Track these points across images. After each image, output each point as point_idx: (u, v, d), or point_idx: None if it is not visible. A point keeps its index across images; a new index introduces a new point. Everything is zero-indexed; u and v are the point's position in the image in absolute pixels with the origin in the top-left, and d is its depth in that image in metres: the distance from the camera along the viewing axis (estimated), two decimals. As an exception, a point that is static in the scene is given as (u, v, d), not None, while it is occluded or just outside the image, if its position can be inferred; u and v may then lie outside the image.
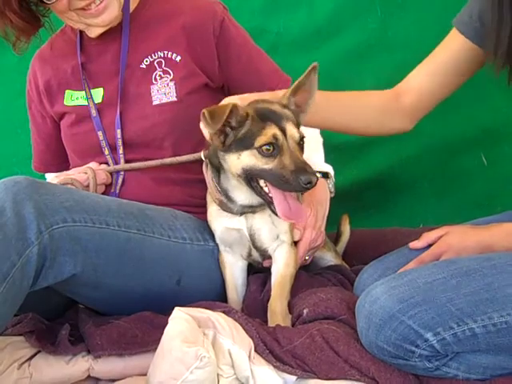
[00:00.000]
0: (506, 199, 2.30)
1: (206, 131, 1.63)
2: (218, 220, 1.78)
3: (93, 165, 1.95)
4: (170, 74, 1.93)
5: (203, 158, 1.78)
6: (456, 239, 1.65)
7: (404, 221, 2.41)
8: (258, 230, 1.75)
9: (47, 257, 1.48)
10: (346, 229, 2.17)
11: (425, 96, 1.85)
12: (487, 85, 2.10)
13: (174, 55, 1.93)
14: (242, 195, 1.68)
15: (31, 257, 1.44)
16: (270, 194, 1.59)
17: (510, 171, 2.44)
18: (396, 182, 2.57)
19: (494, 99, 2.37)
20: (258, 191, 1.61)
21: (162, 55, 1.94)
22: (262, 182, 1.60)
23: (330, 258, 2.03)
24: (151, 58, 1.94)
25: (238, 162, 1.59)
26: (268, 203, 1.61)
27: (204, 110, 1.53)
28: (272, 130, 1.56)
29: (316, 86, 1.67)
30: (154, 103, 1.91)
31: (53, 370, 1.55)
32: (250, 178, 1.60)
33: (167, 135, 1.91)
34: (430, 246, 1.70)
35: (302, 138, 1.60)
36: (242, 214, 1.72)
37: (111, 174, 1.96)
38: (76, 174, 1.93)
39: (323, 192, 1.94)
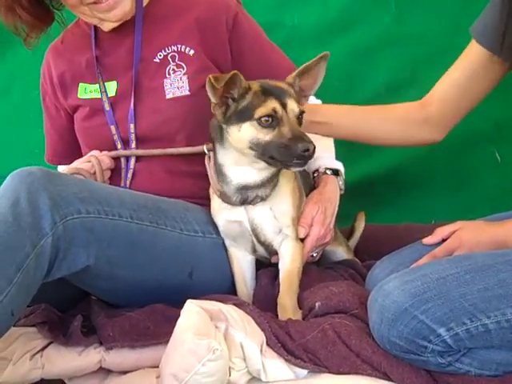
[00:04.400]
0: (520, 195, 2.29)
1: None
2: (220, 213, 1.79)
3: (95, 152, 1.96)
4: (183, 68, 1.93)
5: (205, 151, 1.79)
6: (469, 235, 1.64)
7: (416, 217, 2.39)
8: (260, 224, 1.76)
9: (61, 248, 1.49)
10: (361, 225, 2.17)
11: (450, 105, 1.85)
12: (502, 81, 2.08)
13: (188, 49, 1.94)
14: (237, 172, 1.70)
15: (45, 247, 1.45)
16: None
17: (523, 168, 2.43)
18: (408, 177, 2.56)
19: (508, 95, 2.35)
20: (274, 163, 1.63)
21: (176, 49, 1.94)
22: None
23: (341, 252, 2.03)
24: (165, 51, 1.95)
25: (240, 134, 1.62)
26: (286, 167, 1.64)
27: (209, 76, 1.57)
28: (272, 104, 1.60)
29: (323, 75, 1.71)
30: (168, 97, 1.92)
31: (65, 361, 1.56)
32: (262, 152, 1.62)
33: (180, 129, 1.91)
34: (443, 241, 1.69)
35: (301, 112, 1.64)
36: (241, 203, 1.73)
37: (116, 161, 1.97)
38: (80, 164, 1.93)
39: (333, 189, 1.94)
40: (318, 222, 1.84)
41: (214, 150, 1.75)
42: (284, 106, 1.61)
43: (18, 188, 1.48)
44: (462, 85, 1.82)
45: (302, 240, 1.81)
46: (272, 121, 1.59)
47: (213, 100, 1.64)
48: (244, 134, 1.62)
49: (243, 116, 1.62)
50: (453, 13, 2.44)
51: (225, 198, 1.75)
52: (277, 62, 2.03)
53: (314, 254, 1.89)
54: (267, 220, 1.75)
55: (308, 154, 1.55)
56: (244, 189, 1.71)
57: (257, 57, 1.99)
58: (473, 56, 1.79)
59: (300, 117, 1.64)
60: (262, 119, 1.59)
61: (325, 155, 2.01)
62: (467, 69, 1.80)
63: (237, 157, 1.68)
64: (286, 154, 1.58)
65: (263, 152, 1.61)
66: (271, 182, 1.72)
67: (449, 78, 1.85)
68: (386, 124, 1.88)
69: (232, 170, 1.71)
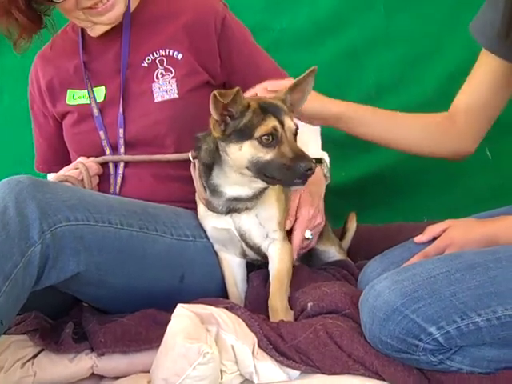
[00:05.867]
0: (511, 193, 2.28)
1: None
2: (207, 220, 1.79)
3: (82, 159, 1.96)
4: (171, 72, 1.93)
5: (191, 159, 1.79)
6: (460, 233, 1.64)
7: (409, 216, 2.40)
8: (248, 231, 1.75)
9: (50, 256, 1.48)
10: (353, 226, 2.16)
11: (475, 114, 1.83)
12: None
13: (176, 53, 1.94)
14: (234, 188, 1.69)
15: (34, 256, 1.44)
16: None
17: (514, 166, 2.43)
18: (399, 177, 2.56)
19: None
20: (271, 180, 1.63)
21: (164, 53, 1.95)
22: None
23: (334, 252, 2.02)
24: (153, 56, 1.95)
25: (241, 153, 1.60)
26: (284, 185, 1.65)
27: (214, 91, 1.55)
28: (272, 122, 1.59)
29: (311, 89, 1.70)
30: (156, 100, 1.92)
31: (56, 369, 1.55)
32: (259, 170, 1.60)
33: (169, 132, 1.91)
34: (434, 239, 1.69)
35: (296, 129, 1.64)
36: (227, 213, 1.73)
37: (104, 167, 1.96)
38: (67, 171, 1.93)
39: (317, 174, 1.88)
40: (306, 202, 1.83)
41: (210, 173, 1.71)
42: (282, 123, 1.60)
43: (7, 197, 1.47)
44: (483, 94, 1.80)
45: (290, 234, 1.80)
46: (272, 139, 1.58)
47: (215, 117, 1.61)
48: (245, 152, 1.60)
49: (243, 135, 1.60)
50: (441, 14, 2.45)
51: (210, 207, 1.74)
52: (264, 64, 2.04)
53: (310, 236, 1.85)
54: (253, 227, 1.75)
55: (310, 172, 1.55)
56: (235, 201, 1.71)
57: (245, 59, 2.00)
58: (487, 66, 1.77)
59: (295, 133, 1.63)
60: (263, 138, 1.57)
61: (310, 144, 2.01)
62: (484, 79, 1.78)
63: (234, 177, 1.66)
64: (288, 174, 1.57)
65: (260, 171, 1.60)
66: (262, 193, 1.72)
67: (468, 88, 1.83)
68: (415, 131, 1.85)
69: (227, 188, 1.70)
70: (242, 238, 1.76)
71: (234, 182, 1.68)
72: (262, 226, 1.75)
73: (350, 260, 2.04)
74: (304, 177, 1.56)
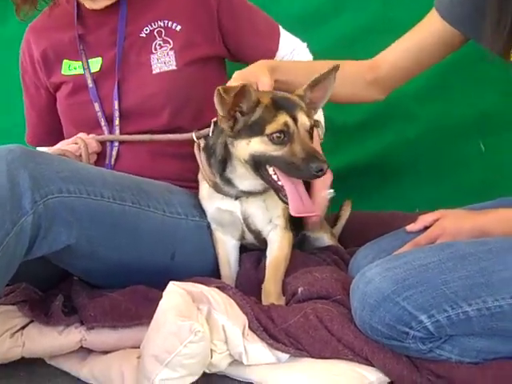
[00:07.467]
0: (503, 186, 2.28)
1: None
2: (211, 200, 1.78)
3: (82, 135, 1.94)
4: (169, 43, 1.93)
5: (194, 139, 1.77)
6: (452, 223, 1.64)
7: (400, 205, 2.39)
8: (252, 215, 1.75)
9: (42, 226, 1.47)
10: (346, 213, 2.16)
11: (399, 71, 1.88)
12: (489, 70, 2.09)
13: (174, 25, 1.94)
14: (247, 182, 1.67)
15: (25, 226, 1.43)
16: (279, 182, 1.57)
17: (507, 158, 2.43)
18: (393, 166, 2.55)
19: (493, 86, 2.36)
20: (266, 179, 1.59)
21: (162, 24, 1.95)
22: (270, 170, 1.58)
23: (325, 239, 2.01)
24: (151, 26, 1.95)
25: (247, 148, 1.57)
26: (276, 191, 1.59)
27: (218, 87, 1.51)
28: (283, 118, 1.55)
29: (332, 86, 1.67)
30: (154, 72, 1.92)
31: (45, 340, 1.55)
32: (259, 164, 1.58)
33: (165, 105, 1.91)
34: (425, 229, 1.69)
35: (312, 126, 1.60)
36: (237, 198, 1.72)
37: (103, 143, 1.95)
38: (66, 145, 1.92)
39: (315, 137, 1.85)
40: None
41: (224, 167, 1.68)
42: (295, 119, 1.56)
43: None
44: (415, 55, 1.85)
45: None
46: (284, 136, 1.54)
47: (220, 113, 1.57)
48: (252, 147, 1.56)
49: (253, 131, 1.56)
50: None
51: (218, 189, 1.73)
52: (266, 28, 2.06)
53: (333, 194, 1.84)
54: (259, 211, 1.74)
55: (321, 173, 1.50)
56: (248, 193, 1.70)
57: (247, 26, 2.01)
58: (432, 28, 1.80)
59: (311, 131, 1.60)
60: (274, 135, 1.54)
61: None
62: (423, 40, 1.82)
63: (245, 171, 1.64)
64: (296, 174, 1.53)
65: (261, 164, 1.57)
66: None
67: (404, 44, 1.87)
68: (339, 80, 1.80)
69: (242, 182, 1.68)
70: (245, 221, 1.75)
71: (245, 177, 1.66)
72: (268, 210, 1.74)
73: (342, 246, 2.04)
74: (314, 178, 1.53)
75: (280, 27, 2.09)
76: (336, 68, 1.65)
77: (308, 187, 1.70)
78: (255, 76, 1.66)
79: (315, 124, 1.77)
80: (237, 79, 1.65)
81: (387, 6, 2.47)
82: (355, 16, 2.51)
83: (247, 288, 1.72)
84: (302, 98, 1.64)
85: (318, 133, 1.92)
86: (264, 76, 1.66)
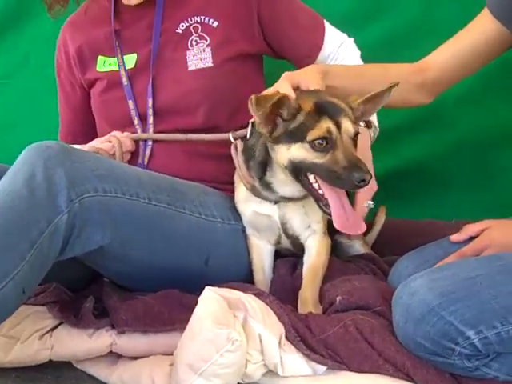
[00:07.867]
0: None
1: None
2: (247, 203, 1.73)
3: (116, 133, 1.92)
4: (206, 40, 1.90)
5: (231, 140, 1.72)
6: (500, 234, 1.58)
7: (436, 213, 2.34)
8: (291, 219, 1.70)
9: (76, 226, 1.44)
10: (381, 220, 2.10)
11: (446, 74, 1.84)
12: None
13: (211, 20, 1.91)
14: (287, 188, 1.63)
15: (60, 225, 1.40)
16: (320, 191, 1.53)
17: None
18: (431, 174, 2.49)
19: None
20: (307, 186, 1.55)
21: (199, 20, 1.92)
22: (311, 178, 1.53)
23: (358, 246, 1.96)
24: (187, 22, 1.92)
25: (287, 153, 1.53)
26: (316, 200, 1.54)
27: (252, 96, 1.46)
28: (326, 124, 1.49)
29: (386, 101, 1.63)
30: (190, 69, 1.89)
31: (74, 343, 1.53)
32: (299, 171, 1.53)
33: (201, 103, 1.87)
34: (470, 239, 1.63)
35: (356, 133, 1.54)
36: (276, 202, 1.68)
37: (136, 142, 1.93)
38: (100, 143, 1.90)
39: (362, 138, 1.75)
40: None
41: (264, 171, 1.63)
42: (338, 126, 1.50)
43: (35, 162, 1.43)
44: (465, 57, 1.81)
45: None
46: (326, 144, 1.48)
47: (257, 120, 1.52)
48: (292, 153, 1.51)
49: (294, 137, 1.51)
50: (484, 2, 2.37)
51: (256, 192, 1.68)
52: (310, 22, 2.00)
53: (372, 206, 1.78)
54: (298, 216, 1.70)
55: (363, 184, 1.45)
56: (288, 198, 1.66)
57: (288, 19, 1.96)
58: (482, 29, 1.77)
59: (355, 138, 1.53)
60: (316, 142, 1.48)
61: None
62: (474, 42, 1.79)
63: (284, 176, 1.59)
64: (337, 182, 1.48)
65: (301, 171, 1.52)
66: None
67: (452, 48, 1.83)
68: (385, 84, 1.76)
69: (282, 187, 1.63)
70: (283, 226, 1.71)
71: (286, 183, 1.61)
72: (308, 216, 1.69)
73: (375, 254, 1.98)
74: (355, 188, 1.48)
75: (326, 22, 2.04)
76: (394, 85, 1.60)
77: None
78: (305, 82, 1.61)
79: (367, 125, 1.72)
80: (284, 82, 1.59)
81: (432, 6, 2.42)
82: (399, 16, 2.46)
83: (282, 295, 1.67)
84: (355, 110, 1.58)
85: (370, 134, 1.87)
86: (315, 84, 1.60)
